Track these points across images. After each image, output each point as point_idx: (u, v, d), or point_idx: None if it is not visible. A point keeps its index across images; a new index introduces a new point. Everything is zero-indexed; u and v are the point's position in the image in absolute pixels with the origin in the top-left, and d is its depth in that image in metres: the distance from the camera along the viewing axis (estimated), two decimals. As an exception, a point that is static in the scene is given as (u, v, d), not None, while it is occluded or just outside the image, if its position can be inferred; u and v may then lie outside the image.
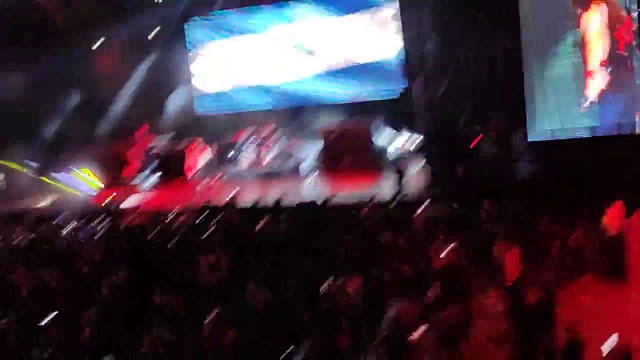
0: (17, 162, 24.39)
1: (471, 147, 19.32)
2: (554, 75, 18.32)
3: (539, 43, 18.28)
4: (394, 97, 23.12)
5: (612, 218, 14.34)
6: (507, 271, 12.63)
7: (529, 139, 18.80)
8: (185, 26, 26.76)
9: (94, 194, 24.17)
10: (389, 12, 23.57)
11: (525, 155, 19.17)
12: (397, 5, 22.87)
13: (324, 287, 11.61)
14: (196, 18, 26.64)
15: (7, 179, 24.48)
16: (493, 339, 10.45)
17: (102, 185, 24.71)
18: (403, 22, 21.83)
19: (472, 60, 18.79)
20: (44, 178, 24.37)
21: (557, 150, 18.15)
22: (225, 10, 26.17)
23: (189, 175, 23.89)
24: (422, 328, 10.01)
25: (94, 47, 26.60)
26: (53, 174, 24.39)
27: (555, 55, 18.23)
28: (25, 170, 24.32)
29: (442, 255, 12.63)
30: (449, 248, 12.94)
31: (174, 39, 26.56)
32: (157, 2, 24.60)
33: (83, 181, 24.44)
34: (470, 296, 12.63)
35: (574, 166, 17.39)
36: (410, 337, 9.81)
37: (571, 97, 18.31)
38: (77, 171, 24.46)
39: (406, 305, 11.39)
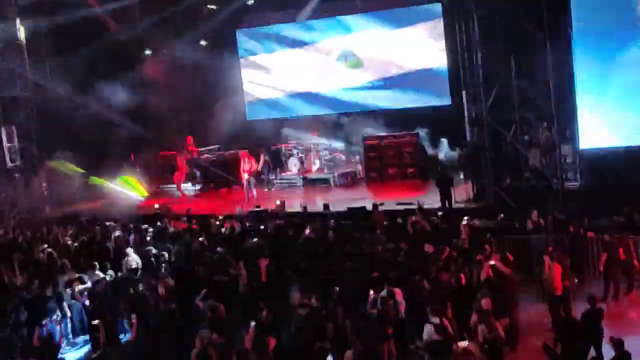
0: (70, 166, 24.73)
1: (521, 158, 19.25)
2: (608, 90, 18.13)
3: (591, 58, 18.10)
4: (443, 107, 23.06)
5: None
6: (555, 284, 12.58)
7: (579, 149, 18.61)
8: (238, 34, 26.99)
9: (141, 199, 24.48)
10: (439, 26, 23.55)
11: (574, 166, 19.02)
12: (446, 19, 22.89)
13: (370, 295, 11.68)
14: (249, 27, 26.88)
15: (60, 183, 24.84)
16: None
17: (147, 193, 24.97)
18: (452, 35, 21.82)
19: (521, 71, 18.69)
20: (95, 179, 24.65)
21: (607, 161, 17.93)
22: (278, 24, 26.38)
23: (239, 181, 24.09)
24: (467, 340, 10.02)
25: (148, 54, 26.96)
26: (104, 180, 24.69)
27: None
28: (78, 173, 24.66)
29: (487, 265, 12.57)
30: (495, 259, 12.91)
31: (227, 47, 26.79)
32: (211, 9, 24.85)
33: (130, 188, 24.74)
34: (517, 308, 12.62)
35: (626, 178, 17.19)
36: (455, 346, 9.81)
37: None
38: (124, 179, 24.73)
39: (451, 315, 11.44)
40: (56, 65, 24.25)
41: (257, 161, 24.14)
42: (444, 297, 11.67)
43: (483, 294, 11.53)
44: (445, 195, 19.06)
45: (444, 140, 22.90)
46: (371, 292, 11.72)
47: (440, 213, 17.83)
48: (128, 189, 24.62)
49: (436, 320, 10.51)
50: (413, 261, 13.56)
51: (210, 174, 25.62)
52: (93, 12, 24.56)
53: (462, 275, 12.40)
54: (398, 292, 11.65)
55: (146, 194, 24.97)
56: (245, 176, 23.34)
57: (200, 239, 16.38)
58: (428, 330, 10.53)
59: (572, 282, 13.05)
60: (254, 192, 23.01)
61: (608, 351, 9.97)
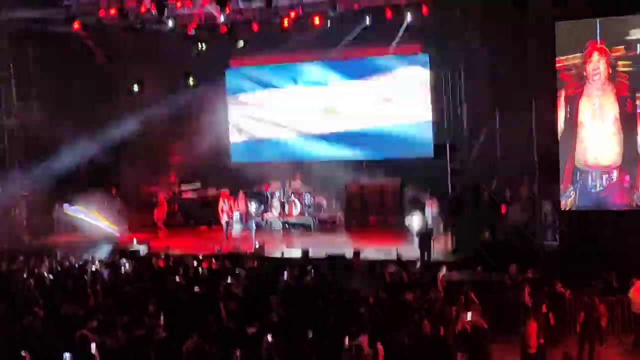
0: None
1: (501, 213, 19.34)
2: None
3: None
4: (425, 159, 23.16)
5: (638, 292, 14.28)
6: (530, 341, 12.58)
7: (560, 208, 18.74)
8: (226, 74, 27.10)
9: (114, 232, 24.35)
10: (423, 78, 23.77)
11: (555, 224, 19.11)
12: (429, 72, 23.13)
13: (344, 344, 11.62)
14: (236, 68, 27.00)
15: (39, 213, 24.74)
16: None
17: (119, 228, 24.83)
18: (435, 88, 22.08)
19: (505, 128, 18.88)
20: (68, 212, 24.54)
21: (587, 221, 18.06)
22: (262, 65, 26.51)
23: (218, 221, 24.00)
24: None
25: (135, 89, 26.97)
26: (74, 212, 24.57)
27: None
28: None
29: (464, 319, 12.59)
30: (470, 312, 12.92)
31: (214, 87, 26.89)
32: (200, 50, 24.99)
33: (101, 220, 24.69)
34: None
35: (605, 238, 17.29)
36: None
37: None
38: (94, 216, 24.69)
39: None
40: (41, 94, 24.23)
41: (239, 202, 24.09)
42: (421, 348, 11.65)
43: (458, 348, 11.53)
44: (425, 247, 19.11)
45: (425, 192, 22.96)
46: (346, 340, 11.66)
47: (418, 264, 17.89)
48: (103, 222, 24.49)
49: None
50: (390, 310, 13.55)
51: (193, 211, 25.57)
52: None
53: (441, 327, 12.42)
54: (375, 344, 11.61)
55: (118, 230, 24.76)
56: (224, 217, 23.27)
57: (177, 278, 16.30)
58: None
59: (548, 339, 13.08)
60: (235, 232, 22.96)
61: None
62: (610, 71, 17.65)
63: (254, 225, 23.98)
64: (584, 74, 17.93)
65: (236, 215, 24.15)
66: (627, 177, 17.69)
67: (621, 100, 17.62)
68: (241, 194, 24.32)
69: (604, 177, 17.90)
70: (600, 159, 17.98)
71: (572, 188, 18.25)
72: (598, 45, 17.70)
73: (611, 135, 17.79)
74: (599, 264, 16.38)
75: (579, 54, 17.91)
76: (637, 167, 17.57)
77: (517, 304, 14.18)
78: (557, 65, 18.10)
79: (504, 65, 18.99)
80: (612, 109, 17.71)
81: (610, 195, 17.93)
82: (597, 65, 17.84)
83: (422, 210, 21.27)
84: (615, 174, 17.79)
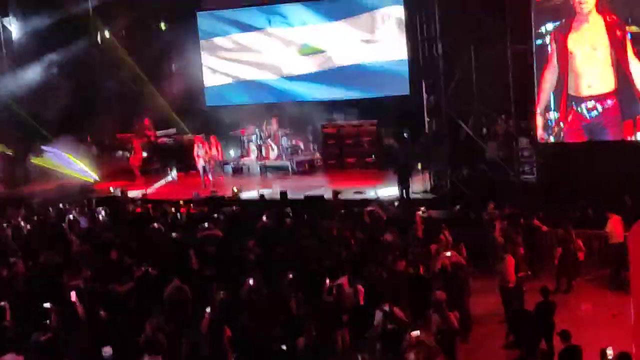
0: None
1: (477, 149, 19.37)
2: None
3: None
4: (402, 98, 23.04)
5: (615, 226, 14.39)
6: (508, 276, 12.69)
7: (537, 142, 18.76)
8: (198, 17, 26.71)
9: (92, 177, 24.22)
10: (397, 15, 23.51)
11: (531, 158, 19.15)
12: (407, 10, 22.88)
13: (325, 282, 11.67)
14: (208, 11, 26.60)
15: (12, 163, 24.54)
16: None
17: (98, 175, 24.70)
18: (410, 25, 21.88)
19: (480, 64, 18.79)
20: (37, 160, 24.34)
21: (564, 154, 18.12)
22: (235, 8, 26.14)
23: (195, 166, 23.88)
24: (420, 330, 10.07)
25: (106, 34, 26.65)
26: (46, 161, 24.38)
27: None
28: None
29: (442, 256, 12.67)
30: (449, 250, 13.01)
31: (186, 30, 26.54)
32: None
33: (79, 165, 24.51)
34: (469, 298, 12.74)
35: (581, 171, 17.36)
36: (408, 337, 9.85)
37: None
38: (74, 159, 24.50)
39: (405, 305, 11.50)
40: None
41: (211, 147, 23.93)
42: (400, 287, 11.73)
43: (437, 285, 11.61)
44: (403, 184, 19.13)
45: (403, 131, 22.92)
46: (327, 279, 11.71)
47: (396, 203, 17.93)
48: (79, 167, 24.32)
49: (386, 308, 10.54)
50: (369, 250, 13.60)
51: (169, 156, 25.41)
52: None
53: (421, 265, 12.51)
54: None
55: (97, 175, 24.63)
56: (201, 162, 23.10)
57: (155, 224, 16.25)
58: (378, 318, 10.56)
59: (525, 275, 13.21)
60: (210, 177, 22.82)
61: (559, 343, 10.11)
62: (598, 1, 17.54)
63: (230, 169, 23.92)
64: (571, 4, 17.79)
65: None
66: (620, 106, 17.71)
67: (610, 29, 17.51)
68: (213, 139, 24.14)
69: (599, 105, 17.88)
70: (594, 88, 17.94)
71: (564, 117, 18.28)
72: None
73: (603, 64, 17.73)
74: (576, 197, 16.50)
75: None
76: (631, 95, 17.55)
77: (495, 240, 14.26)
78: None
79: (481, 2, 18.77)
80: (602, 38, 17.59)
81: (606, 124, 17.96)
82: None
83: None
84: (610, 102, 17.77)
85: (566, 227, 14.46)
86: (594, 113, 17.84)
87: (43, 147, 24.48)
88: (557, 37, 17.98)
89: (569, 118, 18.11)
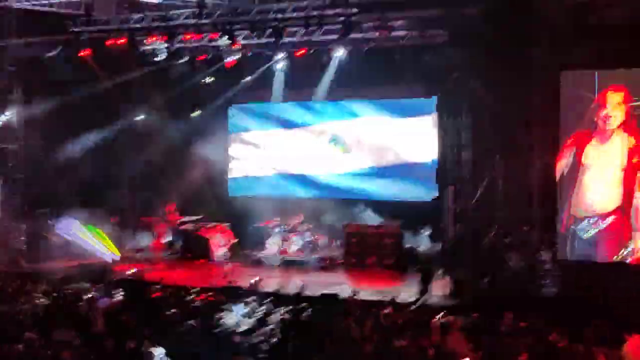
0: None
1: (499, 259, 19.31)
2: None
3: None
4: (426, 201, 23.16)
5: (633, 348, 14.16)
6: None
7: (559, 257, 18.72)
8: (229, 110, 27.24)
9: (112, 257, 24.33)
10: (429, 120, 23.86)
11: (553, 272, 19.04)
12: (436, 114, 23.23)
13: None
14: (240, 104, 27.15)
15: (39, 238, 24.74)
16: None
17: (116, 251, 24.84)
18: (441, 131, 22.18)
19: (507, 174, 18.95)
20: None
21: (586, 271, 18.04)
22: (269, 102, 26.65)
23: (214, 255, 23.95)
24: None
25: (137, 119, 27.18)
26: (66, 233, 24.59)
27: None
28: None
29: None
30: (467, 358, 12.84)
31: (216, 121, 27.03)
32: (206, 83, 25.17)
33: (99, 242, 24.69)
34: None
35: (603, 290, 17.24)
36: None
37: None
38: (98, 233, 24.70)
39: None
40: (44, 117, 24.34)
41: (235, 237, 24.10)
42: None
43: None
44: (423, 288, 19.03)
45: (425, 235, 22.95)
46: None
47: (414, 307, 17.80)
48: (102, 243, 24.46)
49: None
50: (383, 353, 13.46)
51: (189, 243, 25.52)
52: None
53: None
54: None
55: (118, 253, 24.79)
56: (221, 251, 23.19)
57: (172, 310, 16.22)
58: None
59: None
60: (231, 267, 22.88)
61: None
62: (625, 119, 17.68)
63: (249, 261, 24.14)
64: (594, 118, 17.97)
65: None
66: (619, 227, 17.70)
67: (631, 152, 17.65)
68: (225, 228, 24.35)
69: (597, 224, 17.88)
70: (595, 206, 17.98)
71: (568, 235, 18.28)
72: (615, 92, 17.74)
73: (611, 185, 17.80)
74: (596, 314, 16.31)
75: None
76: (631, 219, 17.59)
77: (511, 350, 14.05)
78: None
79: (508, 111, 19.03)
80: (617, 158, 17.70)
81: (600, 244, 17.93)
82: (611, 110, 17.83)
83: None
84: (608, 221, 17.78)
85: (586, 343, 14.25)
86: (591, 232, 17.79)
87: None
88: (574, 149, 18.17)
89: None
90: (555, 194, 18.45)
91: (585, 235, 18.02)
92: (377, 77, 23.21)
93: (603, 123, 17.86)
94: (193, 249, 25.38)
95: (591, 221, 17.98)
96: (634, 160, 17.42)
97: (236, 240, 24.15)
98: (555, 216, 18.55)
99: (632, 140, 17.57)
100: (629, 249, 17.70)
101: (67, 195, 24.42)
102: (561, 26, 17.83)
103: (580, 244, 18.20)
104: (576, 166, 18.16)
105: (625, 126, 17.68)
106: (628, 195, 17.56)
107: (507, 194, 18.96)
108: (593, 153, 18.04)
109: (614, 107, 17.75)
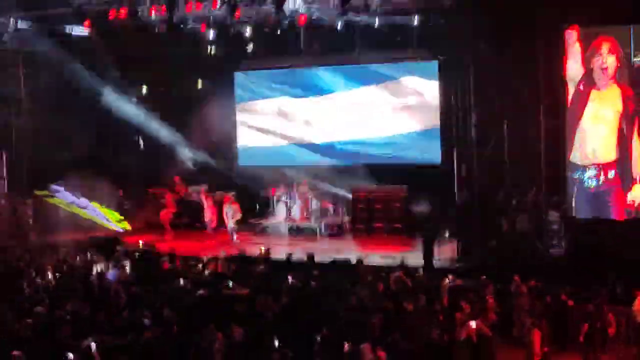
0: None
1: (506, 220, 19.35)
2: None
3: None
4: (432, 166, 23.15)
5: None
6: (534, 349, 12.57)
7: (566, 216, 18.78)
8: (236, 78, 27.17)
9: (119, 229, 24.51)
10: (431, 86, 23.79)
11: (560, 233, 19.08)
12: (438, 79, 23.18)
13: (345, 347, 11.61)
14: (245, 72, 27.07)
15: (46, 212, 24.82)
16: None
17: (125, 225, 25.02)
18: (445, 95, 22.15)
19: (513, 136, 18.93)
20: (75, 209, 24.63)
21: (594, 229, 18.07)
22: (275, 69, 26.58)
23: (224, 224, 24.01)
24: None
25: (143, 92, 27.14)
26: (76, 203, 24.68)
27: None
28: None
29: (468, 327, 12.57)
30: (474, 321, 12.90)
31: (223, 90, 26.98)
32: (210, 53, 25.06)
33: (104, 213, 24.84)
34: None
35: (611, 248, 17.28)
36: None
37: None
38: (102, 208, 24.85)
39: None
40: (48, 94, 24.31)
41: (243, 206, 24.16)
42: (424, 355, 11.64)
43: (462, 355, 11.51)
44: (429, 252, 19.10)
45: (432, 199, 22.95)
46: (346, 345, 11.64)
47: (422, 270, 17.87)
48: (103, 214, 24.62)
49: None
50: (393, 317, 13.54)
51: (198, 213, 25.59)
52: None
53: (445, 334, 12.42)
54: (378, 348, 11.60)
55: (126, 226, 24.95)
56: (230, 222, 23.27)
57: (182, 281, 16.31)
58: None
59: (551, 348, 13.07)
60: (234, 237, 22.97)
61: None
62: (619, 66, 17.79)
63: (258, 229, 24.29)
64: (591, 66, 18.03)
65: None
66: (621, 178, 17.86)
67: (625, 101, 17.69)
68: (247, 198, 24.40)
69: (601, 175, 17.95)
70: (597, 154, 18.06)
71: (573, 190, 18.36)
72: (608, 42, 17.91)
73: (610, 133, 17.86)
74: (604, 272, 16.35)
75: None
76: (628, 171, 17.69)
77: (521, 312, 14.15)
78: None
79: (513, 72, 18.97)
80: (615, 106, 17.78)
81: (607, 196, 18.00)
82: (606, 58, 17.92)
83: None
84: (612, 173, 17.86)
85: (595, 302, 14.31)
86: (595, 182, 17.89)
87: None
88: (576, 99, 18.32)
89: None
90: (563, 155, 18.44)
91: (592, 186, 18.10)
92: (380, 43, 23.05)
93: (600, 70, 17.94)
94: (203, 217, 25.42)
95: (594, 171, 18.07)
96: (630, 106, 17.56)
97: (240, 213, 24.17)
98: (561, 177, 18.54)
99: (629, 90, 17.71)
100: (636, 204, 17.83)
101: (72, 168, 24.43)
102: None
103: (587, 197, 18.28)
104: (577, 115, 18.28)
105: (620, 76, 17.80)
106: (626, 145, 17.72)
107: (513, 156, 18.95)
108: (594, 97, 18.16)
109: (608, 54, 17.95)
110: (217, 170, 26.39)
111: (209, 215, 24.41)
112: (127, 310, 14.32)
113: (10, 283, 16.63)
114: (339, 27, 21.33)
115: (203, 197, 24.99)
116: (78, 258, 19.27)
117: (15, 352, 11.35)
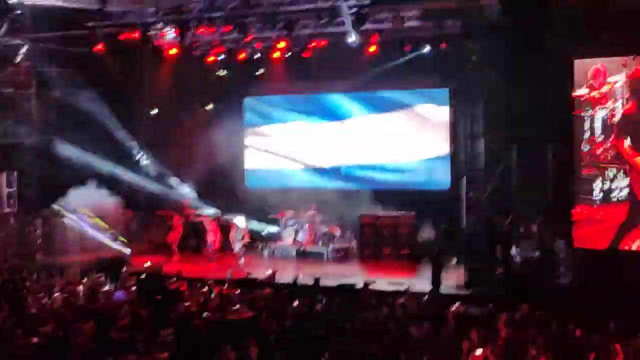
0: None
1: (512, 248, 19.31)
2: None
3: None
4: (441, 190, 23.16)
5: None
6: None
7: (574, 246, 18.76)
8: (245, 103, 27.32)
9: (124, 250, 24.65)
10: (441, 112, 23.86)
11: (568, 261, 19.04)
12: (449, 108, 23.26)
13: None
14: (254, 97, 27.21)
15: (55, 232, 24.88)
16: None
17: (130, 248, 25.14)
18: (454, 121, 22.23)
19: (522, 164, 18.96)
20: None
21: (602, 259, 18.03)
22: (283, 94, 26.68)
23: (231, 247, 24.01)
24: None
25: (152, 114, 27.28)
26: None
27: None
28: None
29: (473, 355, 12.50)
30: (480, 349, 12.83)
31: (231, 114, 27.11)
32: (220, 76, 25.21)
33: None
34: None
35: (619, 279, 17.22)
36: None
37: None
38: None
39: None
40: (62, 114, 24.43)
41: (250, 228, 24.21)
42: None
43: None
44: (436, 280, 19.06)
45: (439, 225, 22.97)
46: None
47: (429, 297, 17.81)
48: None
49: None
50: (399, 343, 13.50)
51: (206, 236, 25.59)
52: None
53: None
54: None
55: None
56: (237, 246, 23.24)
57: (186, 303, 16.30)
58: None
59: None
60: (241, 260, 22.94)
61: None
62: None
63: (266, 253, 24.22)
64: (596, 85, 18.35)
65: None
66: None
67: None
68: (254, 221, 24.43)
69: None
70: None
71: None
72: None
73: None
74: (612, 303, 16.28)
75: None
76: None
77: (527, 342, 14.05)
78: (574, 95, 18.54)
79: (522, 100, 19.03)
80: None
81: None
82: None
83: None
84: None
85: (603, 333, 14.23)
86: None
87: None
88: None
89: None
90: (572, 184, 18.48)
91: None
92: (391, 70, 23.19)
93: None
94: (210, 240, 25.41)
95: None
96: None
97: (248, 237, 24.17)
98: (569, 205, 18.54)
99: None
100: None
101: (81, 188, 24.56)
102: (576, 16, 17.86)
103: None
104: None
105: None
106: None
107: (521, 183, 18.97)
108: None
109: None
110: (225, 194, 26.41)
111: (211, 238, 24.33)
112: (134, 330, 14.34)
113: (16, 302, 16.65)
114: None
115: (205, 220, 24.98)
116: (84, 278, 19.28)
117: None
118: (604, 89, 18.59)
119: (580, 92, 18.64)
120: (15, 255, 23.15)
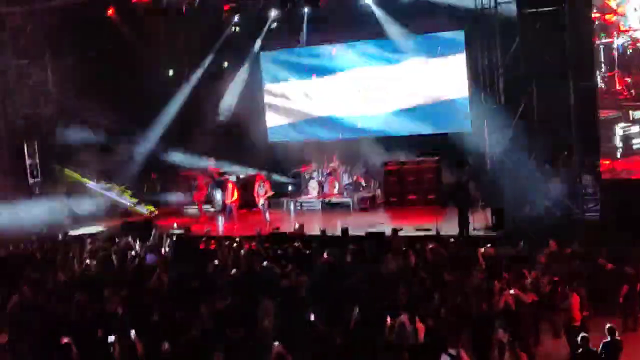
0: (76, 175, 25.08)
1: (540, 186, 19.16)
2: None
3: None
4: (463, 134, 22.96)
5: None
6: (573, 314, 12.48)
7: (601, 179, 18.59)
8: (262, 58, 27.14)
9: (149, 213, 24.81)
10: (460, 55, 23.57)
11: (595, 196, 18.89)
12: (468, 45, 22.96)
13: (387, 321, 11.61)
14: (270, 52, 27.03)
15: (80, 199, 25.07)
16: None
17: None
18: (472, 63, 21.98)
19: (543, 100, 18.71)
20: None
21: (630, 191, 17.85)
22: (298, 47, 26.47)
23: (257, 203, 24.03)
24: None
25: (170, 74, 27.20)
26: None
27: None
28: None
29: (506, 294, 12.49)
30: (512, 288, 12.81)
31: (249, 70, 26.99)
32: (234, 31, 25.06)
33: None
34: (534, 339, 12.55)
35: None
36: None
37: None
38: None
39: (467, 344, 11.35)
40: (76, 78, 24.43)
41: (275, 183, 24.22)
42: (462, 325, 11.60)
43: (500, 325, 11.40)
44: (464, 222, 19.01)
45: (463, 167, 22.81)
46: (388, 318, 11.65)
47: (458, 240, 17.78)
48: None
49: (453, 351, 10.40)
50: (431, 288, 13.51)
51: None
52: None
53: (483, 304, 12.35)
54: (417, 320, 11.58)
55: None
56: (261, 200, 23.20)
57: (217, 261, 16.38)
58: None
59: (590, 313, 12.97)
60: (267, 215, 22.91)
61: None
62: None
63: (292, 206, 24.26)
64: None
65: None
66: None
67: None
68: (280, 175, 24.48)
69: None
70: None
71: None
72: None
73: None
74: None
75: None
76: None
77: (558, 279, 14.03)
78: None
79: (541, 33, 18.72)
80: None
81: None
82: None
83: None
84: None
85: (634, 264, 14.16)
86: None
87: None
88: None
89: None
90: (596, 116, 18.22)
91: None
92: (405, 15, 22.95)
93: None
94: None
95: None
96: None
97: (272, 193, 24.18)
98: (597, 138, 18.32)
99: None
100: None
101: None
102: None
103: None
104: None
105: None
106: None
107: (544, 120, 18.74)
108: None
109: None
110: (248, 149, 26.37)
111: (235, 195, 24.22)
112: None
113: (48, 271, 16.82)
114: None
115: (228, 179, 24.92)
116: (114, 243, 19.41)
117: (64, 339, 11.49)
118: (621, 9, 18.04)
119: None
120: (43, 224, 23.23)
